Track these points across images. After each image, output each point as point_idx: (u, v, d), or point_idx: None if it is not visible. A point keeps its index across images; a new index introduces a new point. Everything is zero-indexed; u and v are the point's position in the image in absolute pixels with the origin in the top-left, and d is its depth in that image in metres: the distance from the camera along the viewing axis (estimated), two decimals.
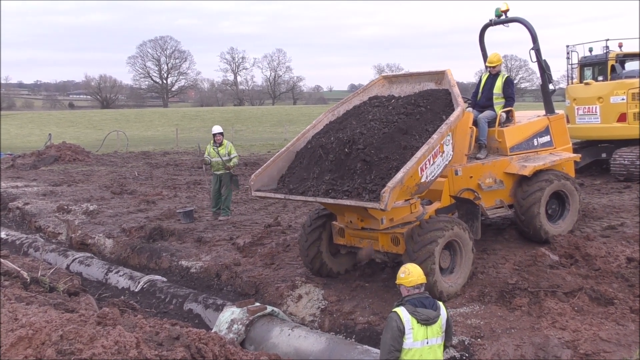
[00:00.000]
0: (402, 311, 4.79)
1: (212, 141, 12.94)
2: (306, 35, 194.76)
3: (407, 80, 9.07)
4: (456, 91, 8.02)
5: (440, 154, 7.33)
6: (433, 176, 7.31)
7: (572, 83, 17.12)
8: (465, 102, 9.99)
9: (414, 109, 7.96)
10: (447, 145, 7.42)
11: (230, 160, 12.82)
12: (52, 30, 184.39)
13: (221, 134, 12.88)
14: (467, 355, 6.31)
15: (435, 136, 7.18)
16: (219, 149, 12.79)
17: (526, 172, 8.99)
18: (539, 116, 10.04)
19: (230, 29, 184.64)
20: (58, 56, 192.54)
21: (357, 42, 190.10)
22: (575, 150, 11.88)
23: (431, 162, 7.18)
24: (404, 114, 7.86)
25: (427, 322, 4.78)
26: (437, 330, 4.84)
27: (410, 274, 4.99)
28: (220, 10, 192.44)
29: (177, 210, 13.17)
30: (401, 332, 4.72)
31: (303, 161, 8.07)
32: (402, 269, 5.09)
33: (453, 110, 7.72)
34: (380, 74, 9.66)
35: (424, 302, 4.87)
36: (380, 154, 7.21)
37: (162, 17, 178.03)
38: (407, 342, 4.73)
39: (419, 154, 6.95)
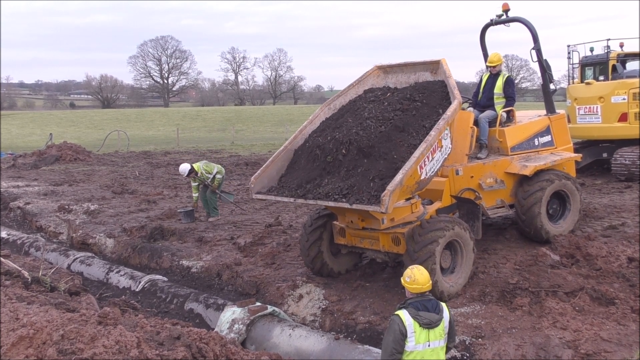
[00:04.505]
0: (404, 314, 4.76)
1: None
2: (310, 35, 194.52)
3: (402, 70, 8.97)
4: (452, 82, 7.87)
5: (439, 149, 7.27)
6: (433, 172, 7.27)
7: (573, 83, 17.12)
8: (466, 101, 10.01)
9: (410, 104, 7.87)
10: (445, 139, 7.36)
11: (213, 179, 12.78)
12: (57, 31, 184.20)
13: (190, 172, 12.58)
14: (467, 355, 6.30)
15: (432, 133, 7.12)
16: (197, 178, 12.77)
17: (527, 171, 8.98)
18: (539, 116, 10.03)
19: (235, 29, 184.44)
20: (61, 56, 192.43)
21: (359, 43, 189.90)
22: (576, 150, 11.89)
23: (430, 159, 7.12)
24: (400, 110, 7.78)
25: (429, 325, 4.75)
26: (439, 332, 4.81)
27: (415, 282, 4.91)
28: (224, 10, 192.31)
29: (178, 210, 13.18)
30: (403, 335, 4.69)
31: (301, 161, 8.05)
32: (409, 272, 4.98)
33: (449, 103, 7.62)
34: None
35: (427, 305, 4.83)
36: (378, 155, 7.17)
37: (167, 17, 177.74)
38: (409, 345, 4.70)
39: (417, 153, 6.91)
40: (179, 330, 5.72)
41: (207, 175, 12.78)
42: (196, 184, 12.90)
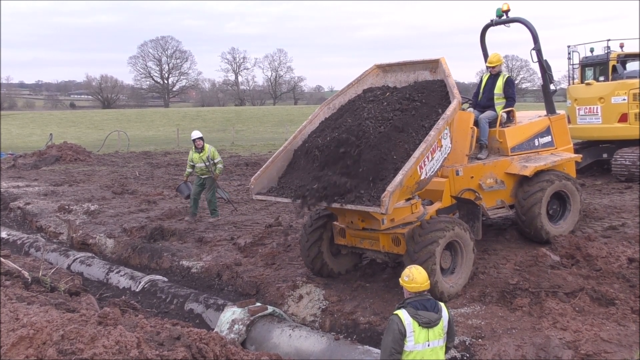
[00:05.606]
0: (403, 314, 4.76)
1: (193, 147, 12.88)
2: (310, 35, 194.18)
3: (401, 69, 8.94)
4: (451, 82, 7.85)
5: (439, 148, 7.25)
6: (432, 172, 7.26)
7: (573, 83, 17.12)
8: (466, 102, 10.01)
9: (409, 104, 7.84)
10: (444, 139, 7.34)
11: (215, 166, 12.79)
12: (57, 31, 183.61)
13: (201, 138, 12.78)
14: (468, 355, 6.30)
15: (432, 133, 7.11)
16: (201, 154, 12.75)
17: (527, 172, 8.99)
18: (540, 116, 10.04)
19: (236, 29, 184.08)
20: (61, 56, 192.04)
21: (359, 43, 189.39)
22: (576, 151, 11.90)
23: (430, 159, 7.11)
24: (399, 110, 7.76)
25: (428, 325, 4.75)
26: (438, 332, 4.81)
27: (414, 280, 4.91)
28: (225, 11, 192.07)
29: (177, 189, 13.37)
30: (402, 335, 4.69)
31: (301, 161, 8.04)
32: (407, 272, 4.99)
33: (449, 102, 7.60)
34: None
35: (426, 305, 4.83)
36: (377, 155, 7.15)
37: (168, 18, 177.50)
38: (409, 344, 4.70)
39: (417, 153, 6.89)
40: (179, 330, 5.73)
41: (210, 159, 12.78)
42: (192, 162, 12.86)
